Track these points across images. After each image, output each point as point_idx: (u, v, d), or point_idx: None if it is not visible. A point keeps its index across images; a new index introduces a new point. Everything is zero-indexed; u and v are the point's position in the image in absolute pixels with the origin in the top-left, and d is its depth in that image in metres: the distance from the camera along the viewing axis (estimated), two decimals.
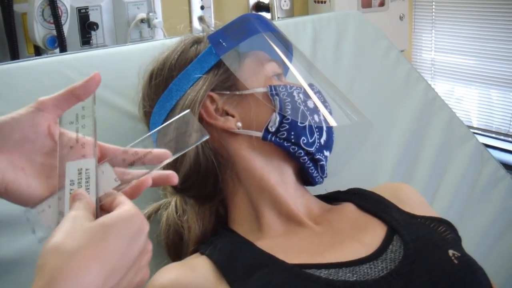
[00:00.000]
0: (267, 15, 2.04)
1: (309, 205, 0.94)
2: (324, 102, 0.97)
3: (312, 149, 0.93)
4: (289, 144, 0.91)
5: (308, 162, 0.94)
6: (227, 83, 0.95)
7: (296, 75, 0.99)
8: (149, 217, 0.99)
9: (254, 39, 0.98)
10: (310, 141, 0.93)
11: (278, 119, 0.91)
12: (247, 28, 0.98)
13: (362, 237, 0.86)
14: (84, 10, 1.72)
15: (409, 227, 0.87)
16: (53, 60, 1.14)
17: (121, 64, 1.15)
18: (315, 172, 0.96)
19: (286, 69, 1.03)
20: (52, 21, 1.54)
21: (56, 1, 1.51)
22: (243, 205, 0.93)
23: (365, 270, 0.78)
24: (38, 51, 1.63)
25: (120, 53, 1.19)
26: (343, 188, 1.04)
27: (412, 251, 0.81)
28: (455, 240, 0.90)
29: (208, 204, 0.96)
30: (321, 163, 0.95)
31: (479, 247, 1.17)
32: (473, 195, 1.27)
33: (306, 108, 0.94)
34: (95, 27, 1.72)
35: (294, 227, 0.90)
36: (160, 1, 1.88)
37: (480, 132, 2.54)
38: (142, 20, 1.81)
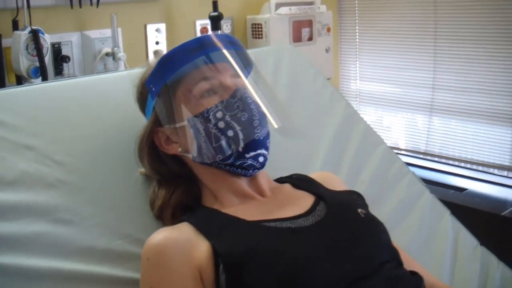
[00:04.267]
0: None
1: (258, 185, 1.26)
2: (245, 111, 1.17)
3: (230, 161, 1.19)
4: (209, 162, 1.20)
5: (233, 168, 1.21)
6: (168, 118, 1.25)
7: (224, 83, 1.20)
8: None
9: (176, 73, 1.21)
10: (227, 155, 1.18)
11: (196, 146, 1.20)
12: (168, 66, 1.21)
13: (298, 202, 1.21)
14: (57, 45, 2.03)
15: (331, 196, 1.24)
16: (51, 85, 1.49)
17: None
18: (242, 171, 1.21)
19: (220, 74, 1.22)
20: (35, 54, 1.84)
21: (39, 37, 1.83)
22: (208, 191, 1.26)
23: (301, 222, 1.14)
24: (20, 81, 1.90)
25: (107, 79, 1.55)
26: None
27: (332, 209, 1.18)
28: (363, 204, 1.28)
29: (181, 187, 1.29)
30: (245, 165, 1.20)
31: (389, 221, 1.51)
32: (383, 186, 1.64)
33: (217, 130, 1.17)
34: (67, 59, 2.03)
35: (247, 199, 1.23)
36: (121, 37, 2.19)
37: (399, 151, 2.87)
38: (107, 54, 2.13)
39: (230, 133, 1.17)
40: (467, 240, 1.62)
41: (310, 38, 2.63)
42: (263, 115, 1.20)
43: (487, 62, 2.51)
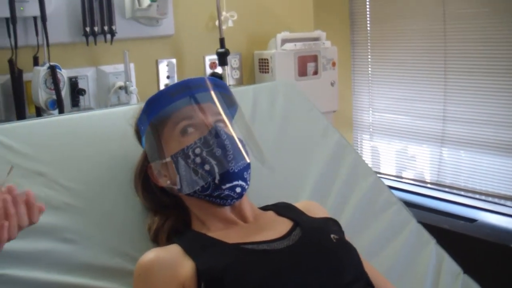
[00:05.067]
0: None
1: (242, 212, 1.42)
2: (219, 147, 1.34)
3: (208, 192, 1.35)
4: (191, 193, 1.38)
5: (212, 199, 1.37)
6: (157, 154, 1.43)
7: (203, 122, 1.37)
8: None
9: (160, 114, 1.39)
10: (205, 187, 1.35)
11: (179, 179, 1.38)
12: (153, 107, 1.40)
13: (276, 227, 1.37)
14: (74, 79, 2.24)
15: (308, 222, 1.39)
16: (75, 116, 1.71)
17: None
18: (221, 201, 1.37)
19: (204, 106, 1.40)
20: (52, 87, 2.05)
21: (56, 72, 2.04)
22: (196, 217, 1.43)
23: (276, 245, 1.30)
24: (39, 112, 2.11)
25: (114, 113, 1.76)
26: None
27: (306, 234, 1.33)
28: (338, 231, 1.43)
29: (172, 216, 1.48)
30: (223, 195, 1.36)
31: (371, 247, 1.69)
32: (368, 214, 1.78)
33: (195, 164, 1.34)
34: (83, 92, 2.23)
35: (231, 225, 1.40)
36: (134, 72, 2.39)
37: (411, 182, 2.97)
38: (120, 87, 2.31)
39: (206, 167, 1.34)
40: (450, 267, 1.75)
41: (316, 72, 2.80)
42: (237, 150, 1.36)
43: (496, 94, 2.58)
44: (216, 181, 1.35)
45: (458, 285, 1.72)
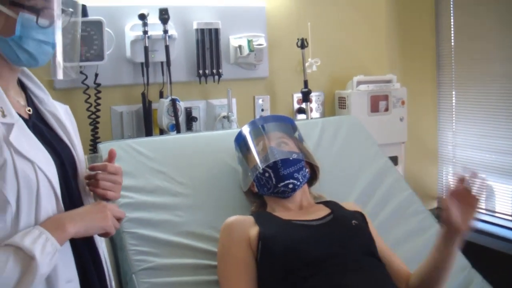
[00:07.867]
0: (303, 116, 3.28)
1: (300, 204, 2.18)
2: (271, 160, 2.12)
3: (270, 191, 2.15)
4: (264, 193, 2.23)
5: (274, 194, 2.17)
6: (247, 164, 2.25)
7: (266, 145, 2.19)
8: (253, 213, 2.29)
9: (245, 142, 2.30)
10: (268, 187, 2.16)
11: (256, 184, 2.23)
12: (241, 137, 2.30)
13: (317, 213, 2.09)
14: (189, 109, 2.98)
15: (340, 212, 2.10)
16: (188, 136, 2.62)
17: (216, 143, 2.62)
18: (280, 194, 2.16)
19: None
20: (173, 115, 2.81)
21: (176, 104, 2.83)
22: (269, 205, 2.21)
23: (312, 223, 2.02)
24: (162, 132, 2.87)
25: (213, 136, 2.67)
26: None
27: (335, 218, 2.05)
28: (360, 220, 2.11)
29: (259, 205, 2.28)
30: (280, 191, 2.13)
31: (398, 240, 2.37)
32: (400, 219, 2.47)
33: (261, 174, 2.14)
34: (195, 119, 2.97)
35: (290, 210, 2.15)
36: (235, 105, 3.11)
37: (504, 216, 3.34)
38: (224, 117, 3.02)
39: (266, 174, 2.16)
40: (460, 262, 2.39)
41: (387, 109, 3.39)
42: (285, 160, 2.14)
43: None
44: (274, 182, 2.16)
45: (462, 277, 2.37)
